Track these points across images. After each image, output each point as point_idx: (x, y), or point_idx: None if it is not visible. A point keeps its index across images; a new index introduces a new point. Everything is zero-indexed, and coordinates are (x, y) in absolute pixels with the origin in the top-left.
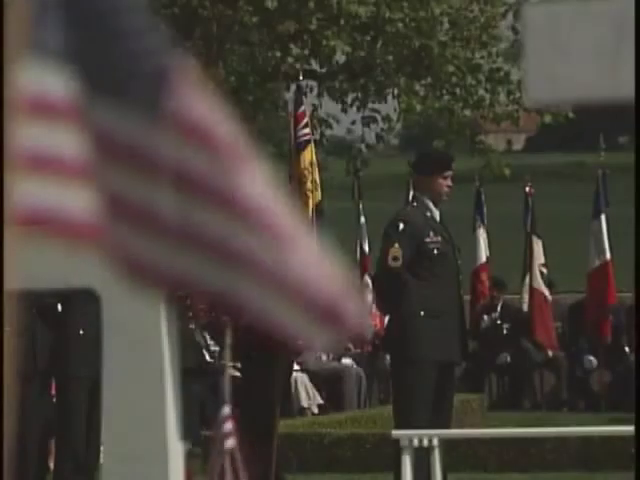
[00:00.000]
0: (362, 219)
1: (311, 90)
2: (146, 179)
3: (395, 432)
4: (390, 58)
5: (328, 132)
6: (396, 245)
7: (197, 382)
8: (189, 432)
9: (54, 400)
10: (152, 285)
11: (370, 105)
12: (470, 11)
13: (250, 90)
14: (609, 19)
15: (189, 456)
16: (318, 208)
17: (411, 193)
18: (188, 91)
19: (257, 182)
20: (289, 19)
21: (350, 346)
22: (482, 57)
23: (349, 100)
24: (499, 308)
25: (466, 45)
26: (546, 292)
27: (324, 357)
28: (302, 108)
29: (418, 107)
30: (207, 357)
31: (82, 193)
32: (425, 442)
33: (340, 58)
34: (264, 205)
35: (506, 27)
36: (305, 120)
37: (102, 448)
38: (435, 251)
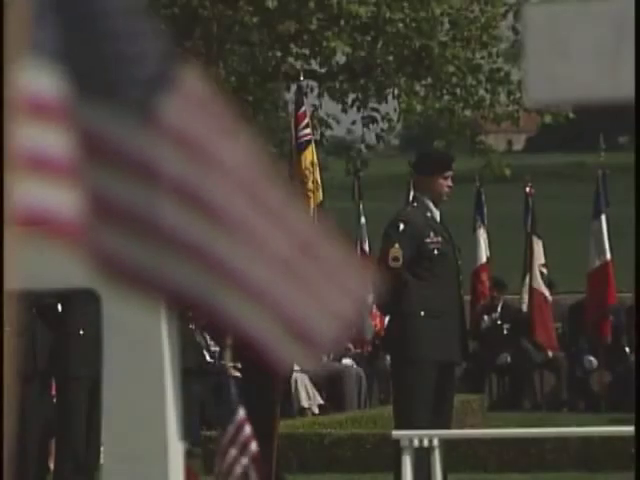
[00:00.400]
0: (362, 219)
1: (311, 90)
2: (131, 182)
3: (395, 432)
4: (390, 58)
5: (328, 132)
6: (396, 245)
7: (197, 382)
8: (189, 432)
9: (54, 400)
10: (133, 288)
11: (370, 105)
12: (470, 11)
13: (250, 90)
14: (609, 19)
15: (189, 456)
16: (319, 208)
17: (411, 193)
18: (181, 99)
19: (243, 196)
20: (289, 19)
21: (350, 346)
22: (482, 57)
23: (349, 100)
24: (499, 308)
25: (466, 45)
26: (546, 292)
27: (324, 357)
28: (303, 108)
29: (418, 107)
30: (207, 357)
31: (73, 193)
32: (425, 442)
33: (340, 58)
34: (248, 218)
35: (506, 27)
36: (306, 120)
37: (102, 448)
38: (435, 251)
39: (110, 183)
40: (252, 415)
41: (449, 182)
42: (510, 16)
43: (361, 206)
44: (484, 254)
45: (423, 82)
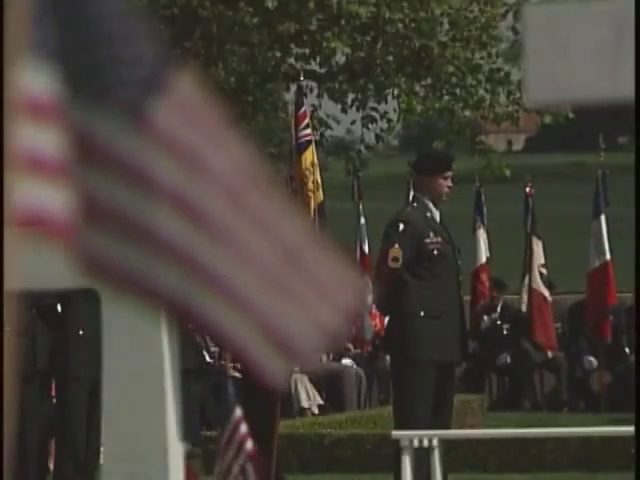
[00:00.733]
0: (362, 219)
1: (311, 90)
2: (121, 184)
3: (395, 432)
4: (390, 58)
5: (328, 133)
6: (396, 246)
7: (197, 383)
8: (189, 433)
9: (54, 400)
10: (120, 290)
11: (370, 105)
12: (470, 11)
13: (250, 90)
14: (609, 19)
15: (189, 456)
16: (320, 209)
17: (411, 193)
18: (172, 103)
19: (231, 202)
20: (289, 20)
21: (350, 346)
22: (482, 57)
23: (349, 100)
24: (499, 309)
25: (466, 45)
26: (545, 293)
27: (324, 357)
28: (303, 109)
29: (418, 107)
30: (207, 358)
31: (56, 191)
32: (425, 442)
33: (340, 59)
34: (233, 225)
35: (506, 27)
36: (306, 121)
37: (102, 448)
38: (435, 251)
39: (99, 185)
40: (252, 415)
41: (449, 182)
42: (510, 16)
43: (361, 206)
44: (484, 254)
45: (423, 82)
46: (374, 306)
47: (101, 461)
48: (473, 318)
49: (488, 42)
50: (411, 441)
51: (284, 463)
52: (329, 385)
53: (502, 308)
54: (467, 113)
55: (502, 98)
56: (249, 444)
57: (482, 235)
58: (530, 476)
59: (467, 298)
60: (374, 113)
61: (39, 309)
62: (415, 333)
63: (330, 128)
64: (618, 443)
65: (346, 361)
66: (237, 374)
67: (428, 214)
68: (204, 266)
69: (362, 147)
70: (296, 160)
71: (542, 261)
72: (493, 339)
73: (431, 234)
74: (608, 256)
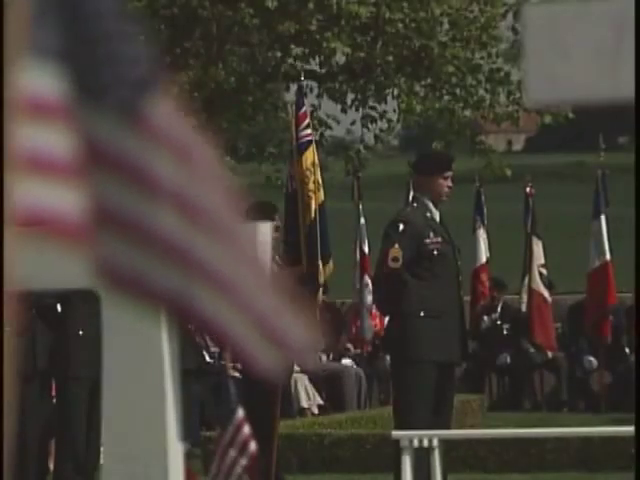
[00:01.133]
0: (362, 220)
1: (311, 90)
2: (120, 184)
3: (395, 432)
4: (390, 58)
5: (327, 133)
6: (396, 246)
7: (197, 383)
8: (189, 433)
9: (54, 401)
10: (123, 291)
11: (370, 105)
12: (470, 11)
13: (250, 90)
14: (609, 19)
15: (189, 457)
16: (321, 209)
17: (411, 193)
18: (165, 101)
19: (226, 199)
20: (289, 20)
21: (350, 346)
22: (482, 57)
23: (349, 100)
24: (499, 309)
25: (466, 45)
26: (545, 293)
27: (324, 357)
28: (304, 109)
29: (418, 107)
30: (207, 358)
31: (76, 194)
32: (425, 442)
33: (340, 59)
34: (230, 224)
35: (506, 27)
36: (307, 121)
37: (102, 448)
38: (435, 252)
39: (100, 185)
40: (252, 415)
41: (449, 182)
42: (510, 16)
43: (360, 206)
44: (484, 254)
45: (423, 82)
46: (374, 306)
47: (101, 461)
48: (473, 318)
49: (488, 42)
50: (411, 441)
51: (284, 463)
52: (329, 385)
53: (502, 308)
54: (467, 113)
55: (502, 98)
56: (252, 446)
57: (482, 235)
58: (530, 476)
59: (467, 298)
60: (374, 113)
61: (39, 309)
62: (415, 333)
63: (330, 128)
64: (618, 443)
65: (346, 361)
66: (237, 374)
67: (428, 214)
68: (204, 264)
69: (362, 147)
70: (297, 160)
71: (542, 261)
72: (493, 339)
73: (431, 234)
74: (608, 256)
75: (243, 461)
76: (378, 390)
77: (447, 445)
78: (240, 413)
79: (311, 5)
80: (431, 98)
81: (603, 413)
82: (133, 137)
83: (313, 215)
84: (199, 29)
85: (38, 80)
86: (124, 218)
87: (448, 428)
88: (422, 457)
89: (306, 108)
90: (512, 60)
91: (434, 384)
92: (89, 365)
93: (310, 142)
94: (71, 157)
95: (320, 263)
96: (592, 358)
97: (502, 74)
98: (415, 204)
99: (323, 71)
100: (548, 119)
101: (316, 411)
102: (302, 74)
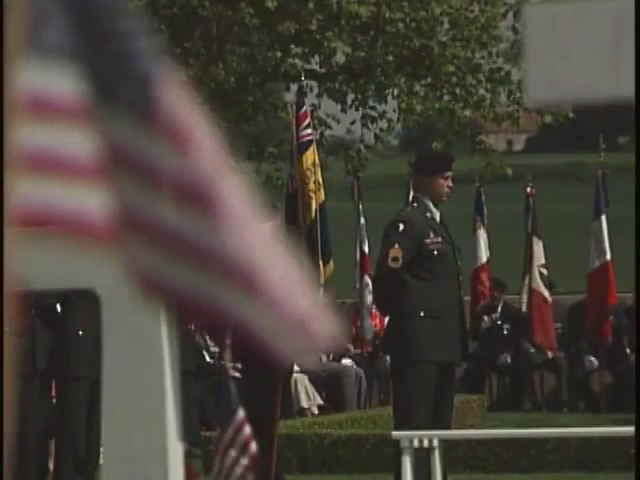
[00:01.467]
0: (362, 220)
1: (311, 90)
2: (135, 184)
3: (395, 433)
4: (390, 58)
5: (327, 132)
6: (396, 246)
7: (197, 383)
8: (189, 433)
9: (54, 401)
10: (141, 287)
11: (370, 105)
12: (470, 11)
13: (250, 90)
14: (609, 19)
15: (189, 457)
16: (321, 209)
17: (411, 193)
18: (173, 95)
19: (239, 191)
20: (289, 19)
21: (350, 346)
22: (482, 57)
23: (349, 100)
24: (499, 309)
25: (466, 45)
26: (545, 293)
27: (324, 358)
28: (304, 108)
29: (418, 107)
30: (207, 358)
31: (92, 193)
32: (425, 443)
33: (340, 58)
34: (243, 216)
35: (506, 27)
36: (307, 120)
37: (102, 449)
38: (435, 252)
39: (119, 186)
40: (252, 416)
41: (449, 182)
42: (510, 16)
43: (360, 206)
44: (484, 254)
45: (423, 82)
46: (374, 306)
47: (101, 461)
48: (473, 318)
49: (488, 42)
50: (411, 441)
51: (284, 463)
52: (329, 385)
53: (502, 308)
54: (467, 113)
55: (502, 98)
56: (253, 446)
57: (482, 235)
58: (530, 476)
59: (467, 298)
60: (374, 113)
61: (39, 309)
62: (415, 333)
63: (330, 128)
64: (618, 443)
65: (346, 361)
66: (237, 374)
67: (428, 214)
68: (216, 253)
69: (362, 147)
70: (297, 160)
71: (542, 261)
72: (493, 339)
73: (431, 234)
74: (608, 256)
75: (244, 461)
76: (378, 390)
77: (447, 445)
78: (241, 414)
79: (311, 5)
80: (431, 98)
81: (603, 413)
82: (145, 134)
83: (313, 215)
84: (199, 29)
85: (52, 80)
86: (141, 218)
87: (448, 428)
88: (422, 457)
89: (306, 108)
90: (512, 60)
91: (434, 384)
92: (89, 365)
93: (310, 142)
94: (92, 158)
95: (320, 263)
96: (592, 358)
97: (502, 74)
98: (415, 204)
99: (323, 71)
100: (548, 119)
101: (316, 411)
102: (302, 74)
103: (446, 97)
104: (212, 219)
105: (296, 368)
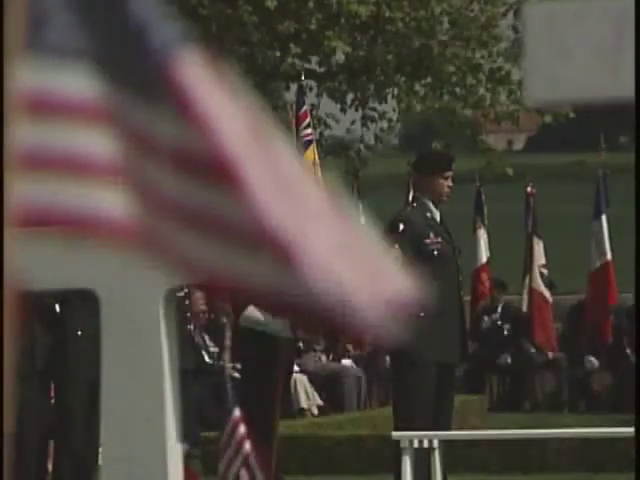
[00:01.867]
0: (362, 219)
1: (310, 89)
2: (164, 166)
3: (395, 433)
4: (390, 57)
5: (327, 132)
6: (396, 246)
7: (196, 383)
8: (188, 433)
9: (53, 401)
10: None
11: (370, 105)
12: (470, 10)
13: (249, 90)
14: (610, 18)
15: (189, 457)
16: None
17: (411, 193)
18: (194, 68)
19: (283, 157)
20: (289, 19)
21: (350, 347)
22: (482, 57)
23: (348, 100)
24: (499, 309)
25: (466, 44)
26: (546, 293)
27: (323, 358)
28: (304, 108)
29: (418, 107)
30: (206, 358)
31: (109, 192)
32: (425, 443)
33: (340, 57)
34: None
35: (506, 26)
36: (307, 120)
37: (101, 449)
38: (435, 252)
39: (153, 174)
40: (251, 416)
41: (449, 182)
42: (510, 15)
43: (360, 206)
44: (484, 254)
45: (423, 81)
46: None
47: (100, 462)
48: (473, 318)
49: (488, 41)
50: (411, 442)
51: (283, 465)
52: (328, 386)
53: (502, 308)
54: (467, 112)
55: (502, 97)
56: (247, 446)
57: (482, 235)
58: (530, 477)
59: (467, 298)
60: (373, 112)
61: (38, 309)
62: (415, 333)
63: (329, 127)
64: (619, 444)
65: (346, 362)
66: (236, 374)
67: (428, 214)
68: (276, 238)
69: (362, 147)
70: None
71: (543, 261)
72: (493, 339)
73: (431, 234)
74: (609, 256)
75: (238, 461)
76: (378, 390)
77: (447, 446)
78: (236, 413)
79: (311, 4)
80: (431, 97)
81: (604, 414)
82: (170, 116)
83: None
84: (198, 28)
85: (60, 78)
86: (184, 206)
87: (448, 429)
88: (422, 458)
89: (306, 107)
90: (512, 59)
91: (434, 385)
92: (88, 365)
93: (311, 141)
94: (104, 154)
95: None
96: (593, 358)
97: (502, 73)
98: (415, 204)
99: (322, 70)
100: (549, 118)
101: (316, 412)
102: (302, 73)
103: (446, 97)
104: (241, 197)
105: (295, 368)
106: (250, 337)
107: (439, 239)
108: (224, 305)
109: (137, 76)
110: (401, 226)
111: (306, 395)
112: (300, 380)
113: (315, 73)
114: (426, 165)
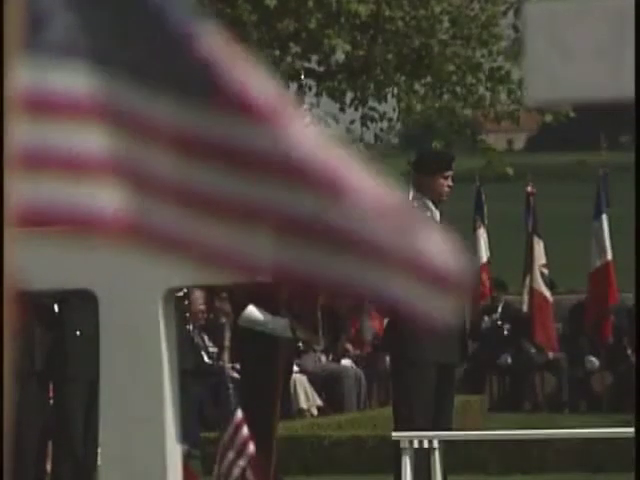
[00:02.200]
0: None
1: (310, 89)
2: (188, 156)
3: (395, 434)
4: (390, 57)
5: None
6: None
7: (196, 383)
8: (188, 434)
9: (51, 401)
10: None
11: (369, 104)
12: (470, 9)
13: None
14: (610, 17)
15: (188, 457)
16: None
17: (411, 193)
18: (219, 50)
19: (310, 140)
20: (288, 17)
21: (349, 347)
22: (482, 56)
23: (348, 99)
24: (500, 309)
25: (466, 44)
26: (546, 293)
27: (323, 358)
28: (304, 108)
29: (418, 106)
30: (206, 358)
31: (110, 191)
32: (425, 444)
33: (339, 57)
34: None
35: (507, 26)
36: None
37: (100, 450)
38: None
39: (153, 162)
40: (251, 416)
41: (449, 182)
42: (510, 14)
43: None
44: (484, 254)
45: (423, 81)
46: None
47: (99, 462)
48: (473, 318)
49: (489, 40)
50: (411, 442)
51: (283, 465)
52: (328, 386)
53: (503, 308)
54: (467, 112)
55: (503, 97)
56: (251, 447)
57: (482, 235)
58: (531, 477)
59: None
60: (373, 112)
61: (37, 309)
62: (415, 333)
63: (328, 127)
64: (619, 444)
65: (345, 362)
66: (236, 375)
67: (428, 214)
68: (326, 227)
69: (361, 146)
70: None
71: (543, 261)
72: (494, 339)
73: None
74: (609, 256)
75: (242, 462)
76: (378, 391)
77: (447, 446)
78: (239, 415)
79: (310, 3)
80: (431, 97)
81: (604, 414)
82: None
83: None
84: None
85: (69, 80)
86: (215, 195)
87: (448, 429)
88: (422, 458)
89: (307, 107)
90: (513, 58)
91: (434, 385)
92: (87, 365)
93: None
94: (100, 152)
95: None
96: (593, 358)
97: (503, 72)
98: (415, 204)
99: (322, 69)
100: (549, 118)
101: (315, 412)
102: (302, 73)
103: (446, 96)
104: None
105: (295, 368)
106: (249, 337)
107: None
108: (223, 305)
109: (158, 55)
110: None
111: (306, 395)
112: (300, 380)
113: (315, 72)
114: (426, 165)
